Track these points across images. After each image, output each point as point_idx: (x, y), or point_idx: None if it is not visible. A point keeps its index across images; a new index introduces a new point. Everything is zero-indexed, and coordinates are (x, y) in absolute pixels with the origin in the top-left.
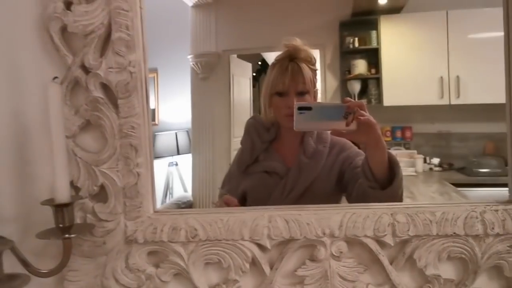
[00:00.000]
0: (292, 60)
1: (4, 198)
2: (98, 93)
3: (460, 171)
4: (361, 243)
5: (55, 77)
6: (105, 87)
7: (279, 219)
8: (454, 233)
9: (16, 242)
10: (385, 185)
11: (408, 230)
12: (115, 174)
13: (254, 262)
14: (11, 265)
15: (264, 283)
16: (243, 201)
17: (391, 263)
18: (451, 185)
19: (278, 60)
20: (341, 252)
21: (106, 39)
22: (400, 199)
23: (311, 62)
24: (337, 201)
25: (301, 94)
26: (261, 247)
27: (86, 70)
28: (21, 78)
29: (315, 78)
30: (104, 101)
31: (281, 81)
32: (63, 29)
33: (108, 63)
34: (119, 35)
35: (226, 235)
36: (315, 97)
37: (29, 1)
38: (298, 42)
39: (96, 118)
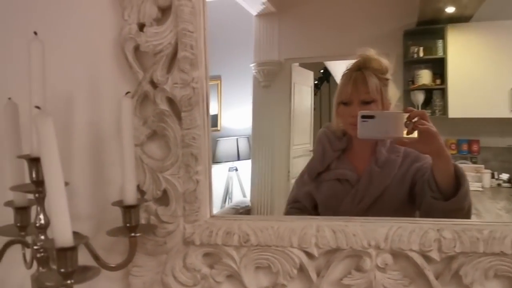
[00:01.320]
0: (360, 69)
1: (81, 198)
2: (164, 106)
3: None
4: (406, 256)
5: (128, 92)
6: (171, 101)
7: (326, 229)
8: (502, 251)
9: (90, 238)
10: (449, 196)
11: (455, 246)
12: (177, 180)
13: (301, 269)
14: (83, 259)
15: None
16: (315, 209)
17: (436, 278)
18: None
19: (348, 70)
20: (386, 264)
21: (173, 58)
22: (467, 213)
23: (381, 71)
24: (410, 212)
25: (365, 103)
26: (309, 254)
27: (154, 85)
28: (99, 91)
29: (385, 87)
30: (169, 113)
31: (345, 90)
32: (136, 49)
33: (173, 79)
34: (184, 54)
35: (276, 242)
36: (387, 106)
37: (107, 23)
38: (370, 52)
39: (162, 128)
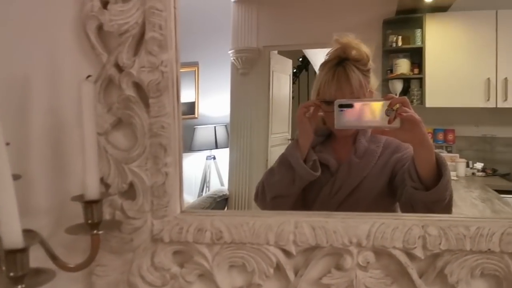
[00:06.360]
0: (341, 62)
1: (39, 192)
2: (130, 92)
3: (504, 177)
4: (389, 254)
5: (89, 76)
6: (138, 86)
7: (305, 225)
8: (489, 249)
9: (49, 235)
10: (430, 186)
11: (440, 243)
12: (144, 172)
13: (278, 268)
14: (42, 258)
15: None
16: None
17: (420, 277)
18: (494, 192)
19: (327, 62)
20: (368, 263)
21: (140, 39)
22: (448, 204)
23: (362, 62)
24: (389, 206)
25: None
26: (286, 252)
27: (119, 68)
28: (59, 74)
29: (367, 78)
30: (135, 99)
31: (328, 90)
32: (99, 28)
33: (141, 62)
34: (152, 34)
35: (251, 239)
36: (369, 96)
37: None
38: (350, 38)
39: (128, 116)
